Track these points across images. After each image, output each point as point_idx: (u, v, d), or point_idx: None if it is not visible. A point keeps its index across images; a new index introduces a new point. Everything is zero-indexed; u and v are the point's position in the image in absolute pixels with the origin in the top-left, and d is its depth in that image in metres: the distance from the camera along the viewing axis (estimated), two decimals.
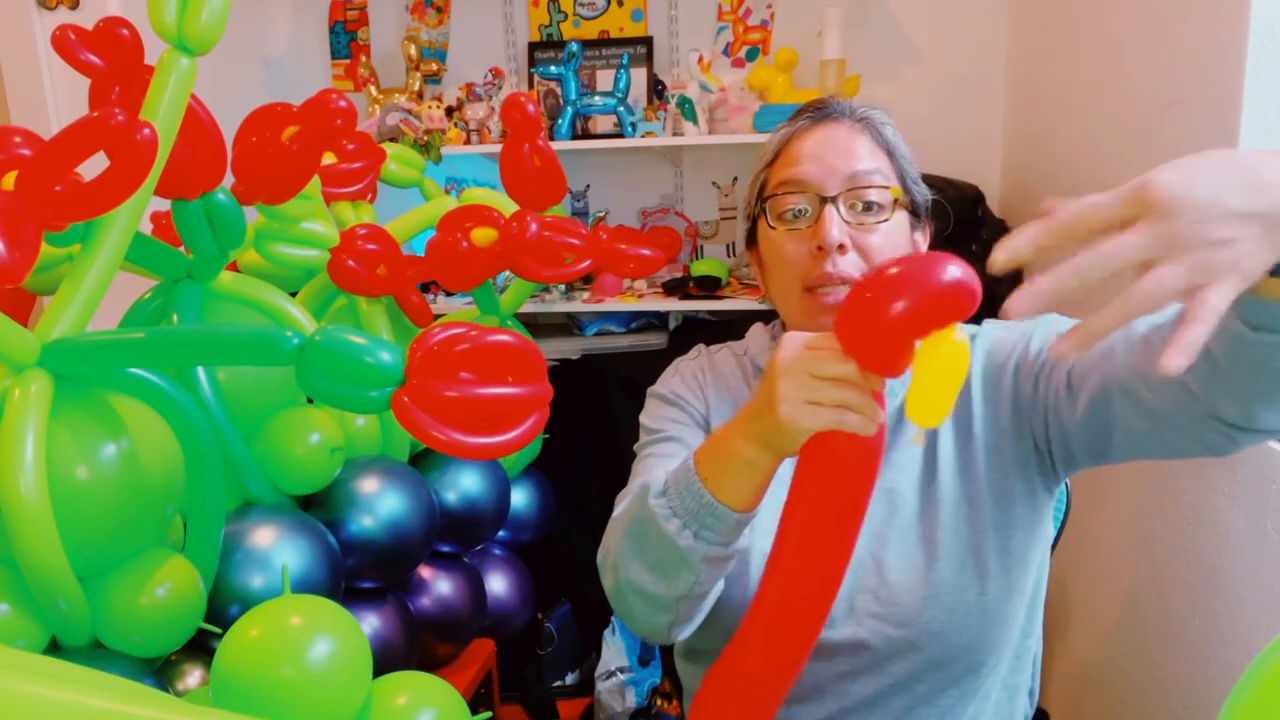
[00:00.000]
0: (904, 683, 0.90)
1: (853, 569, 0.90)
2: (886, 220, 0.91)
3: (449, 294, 2.33)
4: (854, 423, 0.66)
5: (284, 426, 1.43)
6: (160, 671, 1.23)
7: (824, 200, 0.90)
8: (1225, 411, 0.72)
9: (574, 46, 2.26)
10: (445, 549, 1.74)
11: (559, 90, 2.32)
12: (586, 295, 2.34)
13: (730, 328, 2.19)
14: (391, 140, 2.19)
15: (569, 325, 2.47)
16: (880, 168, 0.92)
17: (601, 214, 2.55)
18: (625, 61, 2.32)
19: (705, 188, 2.51)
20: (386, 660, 1.46)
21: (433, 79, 2.44)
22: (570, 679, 2.25)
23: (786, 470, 0.72)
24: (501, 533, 1.91)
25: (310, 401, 1.49)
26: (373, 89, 2.41)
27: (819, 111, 0.96)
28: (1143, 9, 1.48)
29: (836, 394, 0.66)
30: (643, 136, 2.25)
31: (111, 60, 1.20)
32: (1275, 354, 0.66)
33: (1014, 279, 0.66)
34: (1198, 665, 1.32)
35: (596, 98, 2.29)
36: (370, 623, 1.49)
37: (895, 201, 0.92)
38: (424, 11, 2.46)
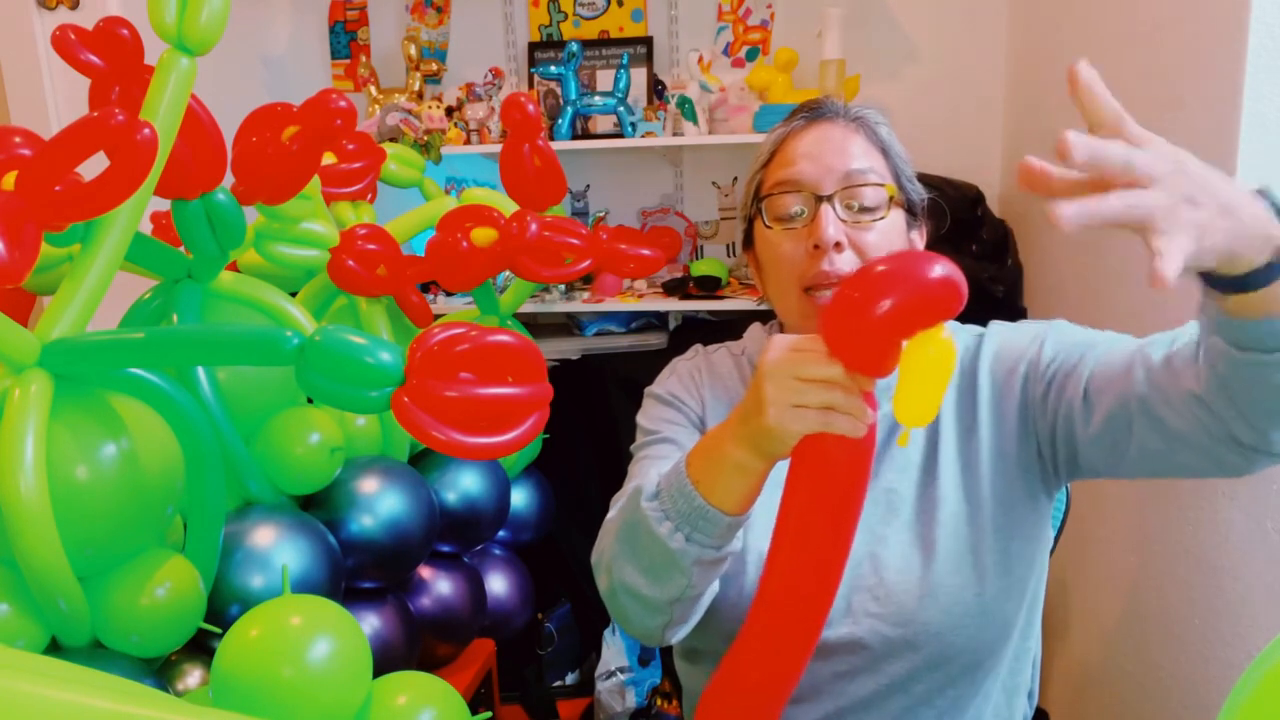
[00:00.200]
0: (902, 683, 0.90)
1: (851, 568, 0.90)
2: (882, 218, 0.91)
3: (449, 294, 2.33)
4: (842, 425, 0.65)
5: (284, 426, 1.43)
6: (160, 671, 1.23)
7: (819, 199, 0.90)
8: (1240, 432, 0.72)
9: (574, 46, 2.26)
10: (445, 549, 1.74)
11: (559, 90, 2.32)
12: (586, 295, 2.34)
13: (730, 328, 2.19)
14: (391, 140, 2.19)
15: (569, 325, 2.47)
16: (875, 166, 0.92)
17: (601, 214, 2.55)
18: (625, 61, 2.32)
19: (705, 188, 2.51)
20: (386, 660, 1.46)
21: (433, 79, 2.44)
22: (570, 679, 2.25)
23: (782, 471, 0.72)
24: (501, 533, 1.91)
25: (310, 401, 1.49)
26: (373, 89, 2.41)
27: (813, 112, 0.96)
28: (1143, 9, 1.48)
29: (823, 396, 0.65)
30: (643, 136, 2.25)
31: (111, 60, 1.20)
32: (1269, 372, 0.66)
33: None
34: (1198, 665, 1.32)
35: (596, 98, 2.29)
36: (370, 623, 1.49)
37: (890, 200, 0.92)
38: (424, 11, 2.46)
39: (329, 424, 1.45)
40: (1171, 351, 0.78)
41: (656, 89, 2.39)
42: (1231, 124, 1.20)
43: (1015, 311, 1.91)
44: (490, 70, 2.40)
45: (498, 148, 1.92)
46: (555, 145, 2.01)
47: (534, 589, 1.96)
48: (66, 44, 1.18)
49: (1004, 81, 2.29)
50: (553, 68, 2.30)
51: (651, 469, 0.91)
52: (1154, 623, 1.45)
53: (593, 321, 2.40)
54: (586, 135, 2.37)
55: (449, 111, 2.34)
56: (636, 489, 0.82)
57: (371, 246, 1.58)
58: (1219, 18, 1.23)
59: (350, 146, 1.72)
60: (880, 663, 0.90)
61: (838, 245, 0.89)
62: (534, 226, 1.63)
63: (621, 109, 2.27)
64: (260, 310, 1.42)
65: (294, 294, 1.62)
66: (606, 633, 2.14)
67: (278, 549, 1.33)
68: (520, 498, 1.95)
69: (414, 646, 1.58)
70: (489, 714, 1.15)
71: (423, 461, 1.74)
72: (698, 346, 1.10)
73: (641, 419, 1.03)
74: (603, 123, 2.36)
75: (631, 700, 2.07)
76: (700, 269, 2.31)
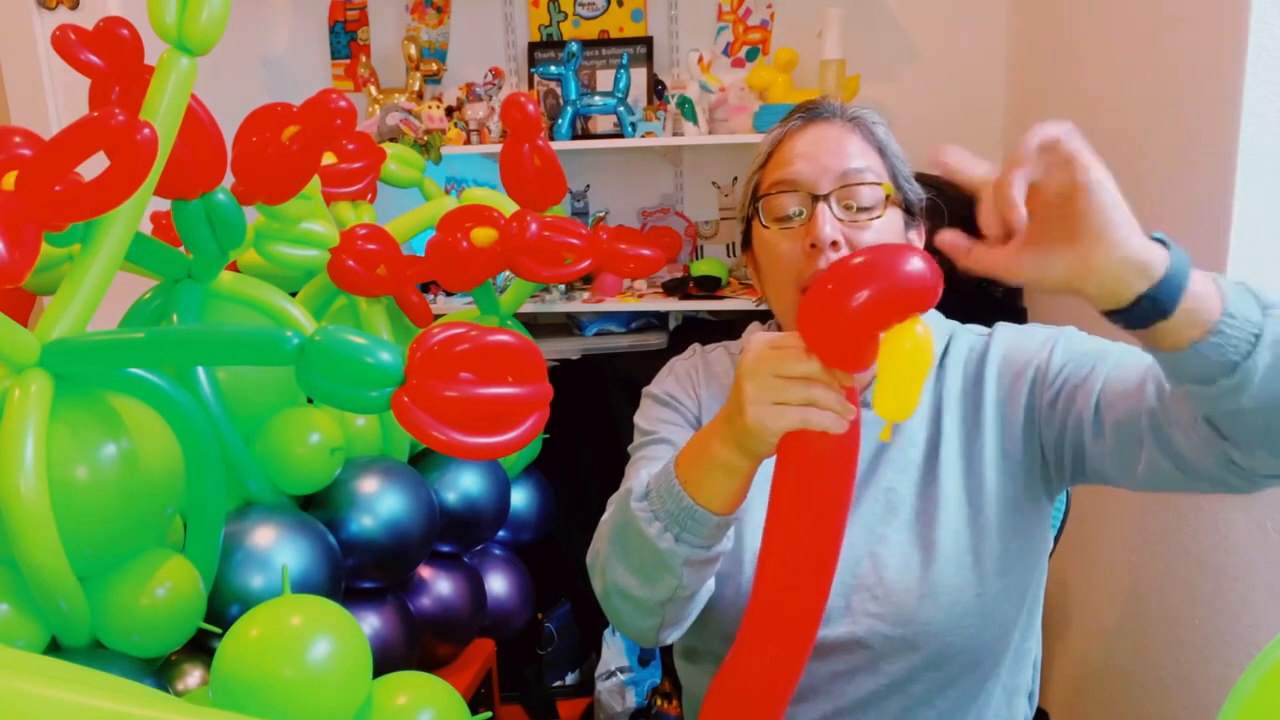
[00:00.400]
0: (901, 683, 0.90)
1: (849, 567, 0.90)
2: (879, 218, 0.91)
3: (449, 294, 2.33)
4: (823, 421, 0.65)
5: (284, 426, 1.43)
6: (160, 671, 1.23)
7: (816, 199, 0.90)
8: (1237, 458, 0.71)
9: (574, 46, 2.26)
10: (445, 549, 1.74)
11: (559, 90, 2.32)
12: (586, 295, 2.34)
13: (730, 328, 2.19)
14: (391, 140, 2.19)
15: (569, 325, 2.47)
16: (872, 166, 0.92)
17: (601, 214, 2.55)
18: (625, 61, 2.32)
19: (705, 188, 2.51)
20: (386, 660, 1.46)
21: (433, 79, 2.44)
22: (570, 679, 2.25)
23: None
24: (501, 533, 1.91)
25: (310, 401, 1.49)
26: (373, 89, 2.41)
27: (810, 112, 0.96)
28: (1143, 9, 1.48)
29: (802, 393, 0.65)
30: (643, 136, 2.25)
31: (111, 60, 1.20)
32: (1223, 399, 0.65)
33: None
34: (1198, 665, 1.32)
35: (596, 98, 2.29)
36: (370, 623, 1.49)
37: (887, 199, 0.92)
38: (424, 11, 2.46)
39: (329, 424, 1.45)
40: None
41: (656, 89, 2.39)
42: (1231, 124, 1.20)
43: (1015, 312, 1.91)
44: (490, 70, 2.40)
45: (498, 148, 1.92)
46: (555, 145, 2.01)
47: (534, 589, 1.96)
48: (66, 44, 1.18)
49: (1004, 81, 2.29)
50: (553, 68, 2.30)
51: (646, 470, 0.91)
52: (1154, 623, 1.45)
53: (593, 321, 2.40)
54: (586, 135, 2.38)
55: (449, 111, 2.34)
56: (628, 490, 0.82)
57: (371, 246, 1.58)
58: (1219, 18, 1.23)
59: (350, 146, 1.72)
60: (879, 662, 0.90)
61: (834, 244, 0.89)
62: (534, 226, 1.63)
63: (621, 109, 2.27)
64: (260, 310, 1.42)
65: (294, 294, 1.62)
66: (606, 633, 2.14)
67: (278, 549, 1.33)
68: (520, 498, 1.95)
69: (414, 646, 1.58)
70: (489, 714, 1.15)
71: (423, 461, 1.74)
72: (695, 346, 1.10)
73: (639, 419, 1.04)
74: (603, 123, 2.36)
75: (631, 700, 2.07)
76: (700, 269, 2.31)
